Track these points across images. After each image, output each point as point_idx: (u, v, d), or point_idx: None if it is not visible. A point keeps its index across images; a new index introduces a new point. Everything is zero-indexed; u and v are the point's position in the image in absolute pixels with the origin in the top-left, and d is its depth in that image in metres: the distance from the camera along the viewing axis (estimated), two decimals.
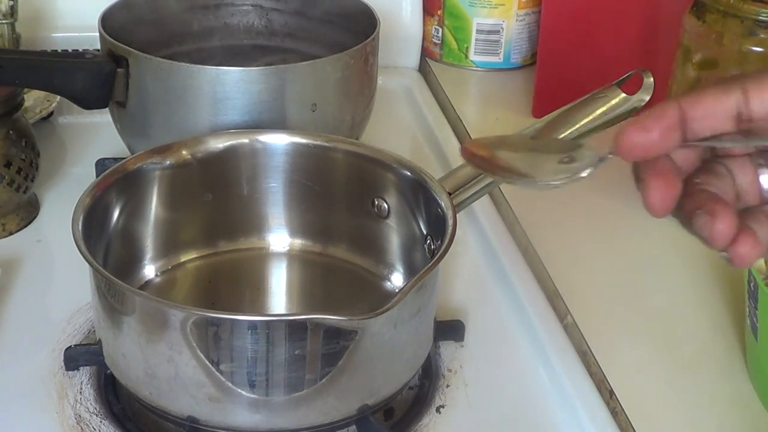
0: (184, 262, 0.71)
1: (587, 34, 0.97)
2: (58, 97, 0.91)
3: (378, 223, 0.69)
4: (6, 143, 0.75)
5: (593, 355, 0.66)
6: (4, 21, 0.93)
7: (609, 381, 0.64)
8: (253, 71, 0.76)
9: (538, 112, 0.99)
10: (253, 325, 0.53)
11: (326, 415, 0.56)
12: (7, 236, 0.77)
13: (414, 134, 1.00)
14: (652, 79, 0.66)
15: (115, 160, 0.76)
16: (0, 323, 0.68)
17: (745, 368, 0.65)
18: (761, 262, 0.62)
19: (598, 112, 0.66)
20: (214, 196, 0.71)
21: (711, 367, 0.66)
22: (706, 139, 0.42)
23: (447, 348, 0.67)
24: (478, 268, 0.77)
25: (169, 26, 0.92)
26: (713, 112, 0.40)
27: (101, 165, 0.82)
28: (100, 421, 0.59)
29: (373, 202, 0.69)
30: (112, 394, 0.61)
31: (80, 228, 0.58)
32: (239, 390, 0.54)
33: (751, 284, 0.60)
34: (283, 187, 0.71)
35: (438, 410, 0.62)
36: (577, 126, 0.65)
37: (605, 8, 0.96)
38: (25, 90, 0.85)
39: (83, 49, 0.89)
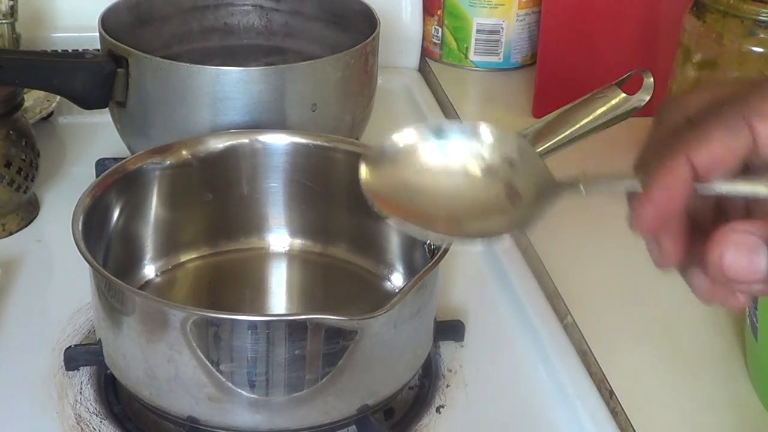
0: (184, 262, 0.71)
1: (587, 34, 0.97)
2: (58, 97, 0.91)
3: (378, 223, 0.69)
4: (6, 143, 0.75)
5: (593, 355, 0.66)
6: (4, 21, 0.93)
7: (609, 381, 0.64)
8: (253, 71, 0.76)
9: (538, 112, 0.99)
10: (253, 325, 0.53)
11: (326, 415, 0.56)
12: (7, 236, 0.77)
13: None
14: (652, 79, 0.66)
15: (115, 160, 0.76)
16: (0, 323, 0.68)
17: (745, 368, 0.65)
18: None
19: (598, 112, 0.66)
20: (214, 196, 0.71)
21: (711, 367, 0.66)
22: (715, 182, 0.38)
23: (447, 348, 0.67)
24: (478, 268, 0.77)
25: (169, 26, 0.92)
26: (723, 158, 0.37)
27: (101, 165, 0.82)
28: (100, 421, 0.59)
29: None
30: (112, 394, 0.61)
31: (80, 228, 0.58)
32: (239, 390, 0.54)
33: None
34: (283, 187, 0.71)
35: (438, 410, 0.62)
36: (577, 126, 0.65)
37: (605, 8, 0.96)
38: (25, 90, 0.85)
39: (83, 49, 0.89)
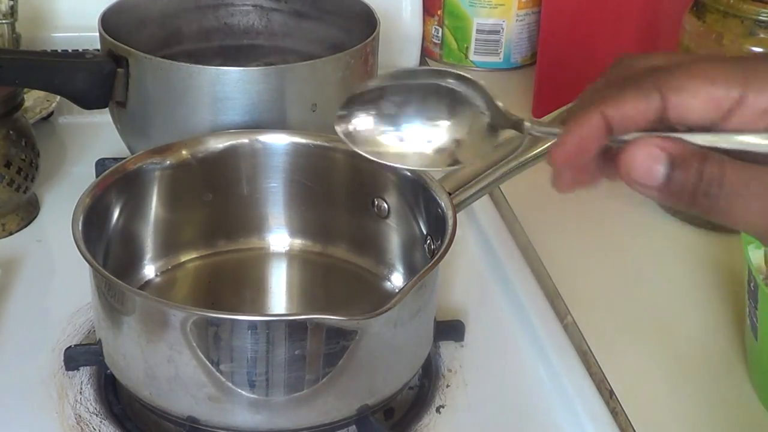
0: (184, 262, 0.71)
1: (587, 34, 0.97)
2: (58, 97, 0.91)
3: (378, 223, 0.69)
4: (6, 143, 0.75)
5: (593, 355, 0.66)
6: (4, 21, 0.93)
7: (609, 381, 0.64)
8: (253, 71, 0.76)
9: (538, 112, 0.99)
10: (253, 325, 0.53)
11: (326, 415, 0.56)
12: (7, 236, 0.77)
13: None
14: None
15: (115, 160, 0.76)
16: (0, 323, 0.68)
17: (745, 368, 0.65)
18: (761, 262, 0.62)
19: None
20: (214, 196, 0.71)
21: (711, 367, 0.66)
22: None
23: (447, 348, 0.67)
24: (478, 268, 0.77)
25: (169, 26, 0.92)
26: (635, 119, 0.41)
27: (101, 165, 0.82)
28: (100, 421, 0.59)
29: (373, 202, 0.69)
30: (112, 394, 0.61)
31: (80, 228, 0.58)
32: (239, 390, 0.54)
33: (751, 284, 0.60)
34: (283, 187, 0.71)
35: (438, 410, 0.62)
36: None
37: (605, 8, 0.96)
38: (25, 90, 0.85)
39: (83, 49, 0.89)
